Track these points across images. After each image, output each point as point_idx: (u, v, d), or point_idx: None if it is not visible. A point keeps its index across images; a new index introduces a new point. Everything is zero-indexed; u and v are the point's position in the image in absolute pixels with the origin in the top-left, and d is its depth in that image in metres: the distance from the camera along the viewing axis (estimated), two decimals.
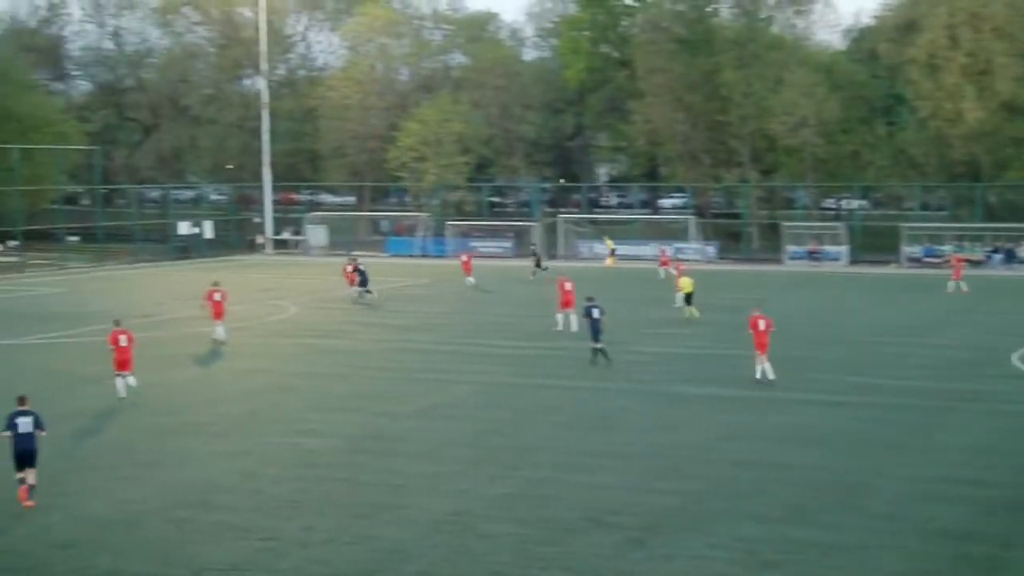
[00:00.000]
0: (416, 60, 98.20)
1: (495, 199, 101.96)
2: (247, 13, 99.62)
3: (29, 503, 20.74)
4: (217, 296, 40.45)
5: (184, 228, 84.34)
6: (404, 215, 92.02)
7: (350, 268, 54.58)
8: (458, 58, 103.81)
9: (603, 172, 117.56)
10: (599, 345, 35.05)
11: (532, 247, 71.60)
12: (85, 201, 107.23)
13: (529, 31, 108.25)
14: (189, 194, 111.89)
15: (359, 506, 20.59)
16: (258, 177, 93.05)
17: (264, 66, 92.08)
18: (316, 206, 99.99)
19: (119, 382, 30.21)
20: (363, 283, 53.34)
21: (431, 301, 53.95)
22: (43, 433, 21.41)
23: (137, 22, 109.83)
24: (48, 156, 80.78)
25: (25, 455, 20.96)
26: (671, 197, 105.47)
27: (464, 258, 62.46)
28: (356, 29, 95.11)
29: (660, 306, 49.44)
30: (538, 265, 65.28)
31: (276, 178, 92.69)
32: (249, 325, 45.25)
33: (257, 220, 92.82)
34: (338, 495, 21.27)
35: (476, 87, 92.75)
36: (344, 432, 26.44)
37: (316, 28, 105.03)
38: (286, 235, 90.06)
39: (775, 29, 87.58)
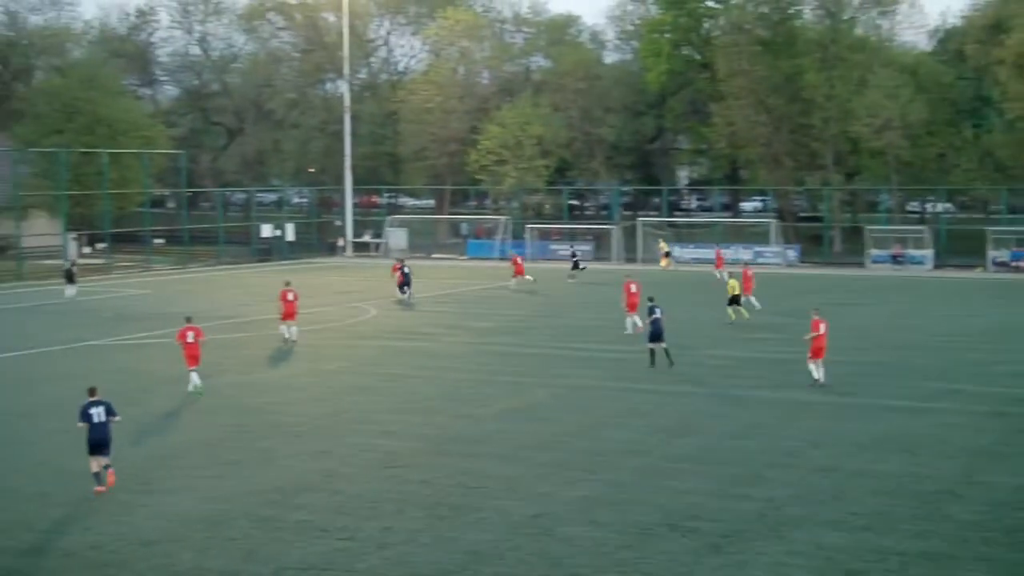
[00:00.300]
0: (497, 63, 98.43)
1: (574, 202, 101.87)
2: (331, 18, 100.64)
3: (101, 489, 21.72)
4: (290, 296, 41.13)
5: (267, 231, 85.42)
6: (484, 218, 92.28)
7: (400, 269, 55.59)
8: (539, 61, 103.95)
9: (683, 175, 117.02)
10: (663, 345, 35.19)
11: (572, 248, 71.58)
12: (171, 204, 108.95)
13: (610, 34, 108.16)
14: (272, 197, 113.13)
15: (438, 507, 20.68)
16: (339, 180, 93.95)
17: (347, 70, 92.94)
18: (396, 209, 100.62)
19: (193, 376, 31.50)
20: (406, 284, 54.45)
21: (511, 304, 54.02)
22: (116, 419, 22.43)
23: (223, 28, 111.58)
24: (135, 160, 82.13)
25: (100, 443, 21.95)
26: (752, 200, 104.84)
27: (516, 260, 63.00)
28: (438, 33, 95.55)
29: (756, 312, 49.02)
30: (576, 267, 65.67)
31: (357, 181, 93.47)
32: (330, 327, 45.67)
33: (338, 223, 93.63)
34: (417, 496, 21.38)
35: (557, 90, 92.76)
36: (424, 434, 26.56)
37: (398, 32, 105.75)
38: (366, 238, 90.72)
39: (859, 30, 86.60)
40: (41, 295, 59.02)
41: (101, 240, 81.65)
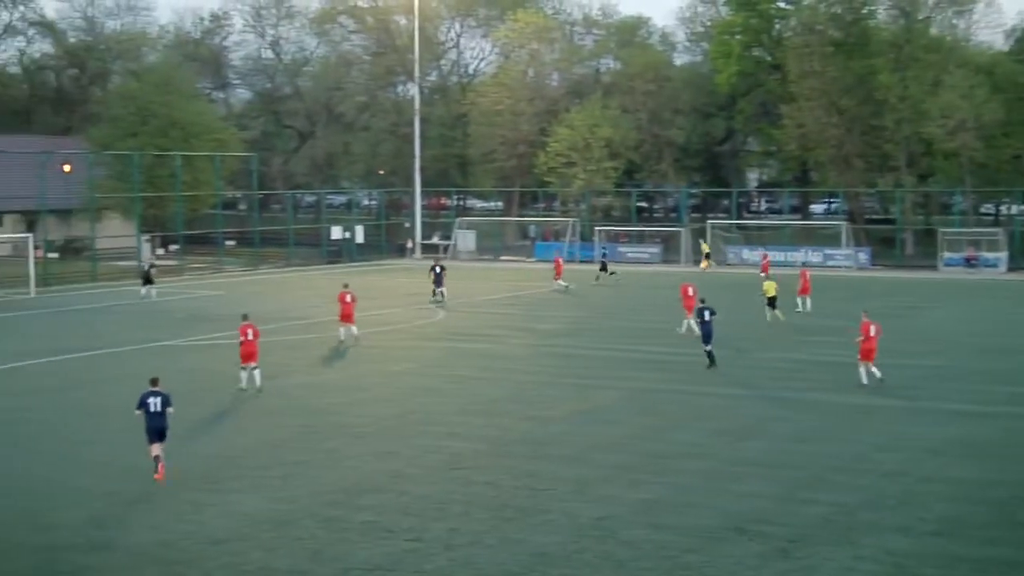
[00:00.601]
0: (567, 65, 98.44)
1: (642, 204, 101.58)
2: (402, 21, 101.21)
3: (160, 476, 22.53)
4: (348, 298, 41.66)
5: (336, 233, 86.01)
6: (552, 220, 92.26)
7: (439, 268, 56.53)
8: (608, 63, 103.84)
9: (753, 177, 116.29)
10: (708, 347, 35.24)
11: (603, 250, 71.40)
12: (242, 206, 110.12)
13: (680, 35, 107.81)
14: (342, 199, 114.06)
15: (504, 509, 20.70)
16: (409, 182, 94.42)
17: (417, 73, 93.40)
18: (465, 211, 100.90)
19: (243, 373, 32.04)
20: (438, 284, 55.26)
21: (578, 306, 53.96)
22: (171, 411, 23.28)
23: (295, 31, 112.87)
24: (208, 162, 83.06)
25: (157, 431, 22.90)
26: (823, 202, 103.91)
27: (558, 261, 63.16)
28: (508, 35, 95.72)
29: (795, 313, 48.64)
30: (603, 269, 65.72)
31: (426, 183, 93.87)
32: (398, 328, 45.90)
33: (407, 225, 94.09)
34: (483, 498, 21.41)
35: (626, 92, 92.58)
36: (490, 435, 26.60)
37: (468, 34, 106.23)
38: (435, 240, 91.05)
39: (934, 30, 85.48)
40: (114, 296, 59.89)
41: (174, 242, 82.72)
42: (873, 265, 76.45)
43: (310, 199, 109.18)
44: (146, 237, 79.92)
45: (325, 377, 34.91)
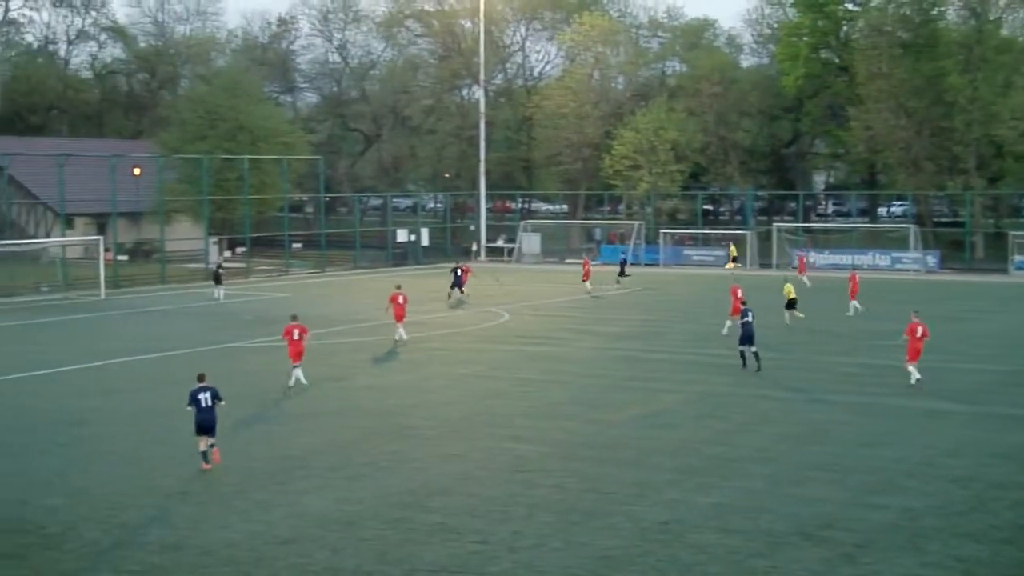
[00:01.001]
0: (632, 68, 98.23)
1: (708, 207, 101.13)
2: (467, 24, 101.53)
3: (207, 466, 23.89)
4: (400, 299, 42.69)
5: (402, 236, 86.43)
6: (617, 223, 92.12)
7: (460, 270, 58.76)
8: (674, 66, 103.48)
9: (820, 180, 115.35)
10: (752, 348, 35.42)
11: (622, 256, 71.21)
12: (308, 209, 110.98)
13: (747, 37, 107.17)
14: (407, 202, 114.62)
15: (569, 512, 20.70)
16: (474, 185, 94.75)
17: (483, 76, 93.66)
18: (530, 214, 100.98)
19: (294, 371, 32.95)
20: (455, 284, 57.22)
21: (643, 309, 53.85)
22: (222, 403, 24.50)
23: (362, 35, 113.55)
24: (275, 165, 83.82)
25: (205, 425, 24.13)
26: (891, 205, 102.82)
27: (586, 263, 62.93)
28: (573, 38, 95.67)
29: (850, 317, 48.17)
30: (622, 273, 65.41)
31: (491, 186, 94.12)
32: (463, 331, 46.05)
33: (472, 228, 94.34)
34: (548, 501, 21.43)
35: (692, 95, 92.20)
36: (555, 438, 26.62)
37: (534, 38, 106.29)
38: (500, 243, 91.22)
39: (1004, 31, 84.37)
40: (183, 298, 60.64)
41: (241, 244, 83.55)
42: (942, 269, 75.57)
43: (376, 202, 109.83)
44: (214, 240, 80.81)
45: (391, 379, 35.10)
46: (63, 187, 68.78)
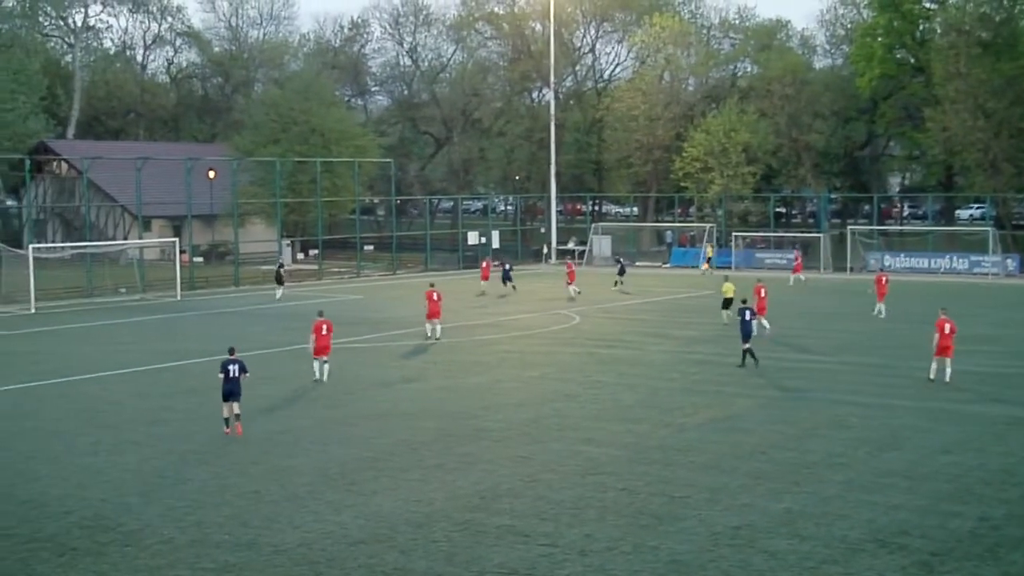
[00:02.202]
0: (703, 70, 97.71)
1: (781, 210, 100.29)
2: (537, 27, 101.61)
3: (235, 431, 27.20)
4: (435, 296, 44.31)
5: (473, 238, 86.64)
6: (688, 226, 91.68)
7: (508, 266, 64.35)
8: (746, 67, 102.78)
9: (895, 182, 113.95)
10: (747, 346, 36.70)
11: (617, 257, 71.13)
12: (380, 211, 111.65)
13: (820, 38, 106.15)
14: (478, 205, 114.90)
15: (639, 516, 20.62)
16: (544, 188, 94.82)
17: (553, 78, 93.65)
18: (600, 216, 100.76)
19: (316, 365, 34.60)
20: (505, 278, 61.83)
21: (714, 312, 53.46)
22: (247, 375, 27.88)
23: (433, 38, 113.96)
24: (347, 168, 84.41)
25: (231, 393, 27.44)
26: (969, 208, 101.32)
27: (570, 266, 63.77)
28: (644, 40, 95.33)
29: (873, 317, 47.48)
30: (622, 273, 65.69)
31: (561, 189, 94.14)
32: (534, 333, 46.04)
33: (542, 230, 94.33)
34: (619, 504, 21.36)
35: (764, 96, 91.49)
36: (626, 441, 26.53)
37: (604, 39, 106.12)
38: (570, 245, 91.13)
39: None
40: (257, 299, 61.26)
41: (313, 246, 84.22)
42: (1022, 272, 74.33)
43: (447, 204, 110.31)
44: (287, 242, 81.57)
45: (462, 381, 35.17)
46: (140, 190, 69.77)
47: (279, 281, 61.81)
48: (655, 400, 31.68)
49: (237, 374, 27.49)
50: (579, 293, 59.53)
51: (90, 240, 71.46)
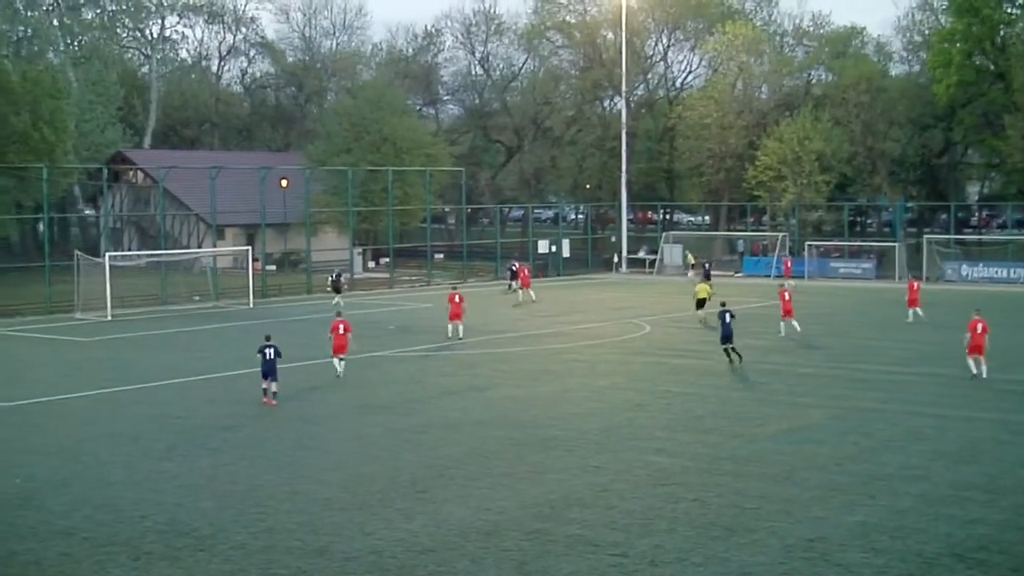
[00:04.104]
0: (776, 78, 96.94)
1: (855, 218, 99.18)
2: (609, 35, 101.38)
3: (271, 404, 32.16)
4: (457, 299, 46.89)
5: (543, 247, 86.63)
6: (760, 235, 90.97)
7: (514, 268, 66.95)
8: (820, 74, 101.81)
9: (973, 191, 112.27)
10: (731, 345, 39.03)
11: (704, 262, 73.59)
12: (451, 220, 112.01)
13: (897, 45, 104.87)
14: (548, 213, 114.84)
15: (710, 527, 20.43)
16: (615, 197, 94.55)
17: (624, 87, 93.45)
18: (672, 225, 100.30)
19: (336, 362, 36.80)
20: (512, 279, 65.68)
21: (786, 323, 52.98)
22: (280, 359, 32.75)
23: (504, 47, 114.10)
24: (418, 177, 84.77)
25: (268, 372, 32.51)
26: None
27: (522, 271, 66.43)
28: (716, 48, 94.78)
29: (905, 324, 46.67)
30: (707, 278, 66.42)
31: (633, 197, 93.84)
32: (605, 343, 45.90)
33: (613, 239, 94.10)
34: (689, 515, 21.18)
35: (838, 104, 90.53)
36: (697, 452, 26.32)
37: (676, 47, 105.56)
38: (641, 254, 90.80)
39: None
40: (328, 307, 61.41)
41: (385, 255, 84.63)
42: None
43: (517, 213, 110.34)
44: (358, 250, 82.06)
45: (532, 390, 35.13)
46: (214, 199, 70.56)
47: (336, 290, 62.28)
48: (726, 410, 31.42)
49: (273, 357, 32.42)
50: (533, 301, 62.25)
51: (165, 248, 72.36)
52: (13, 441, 28.43)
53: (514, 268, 67.60)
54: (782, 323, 47.01)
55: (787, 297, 47.00)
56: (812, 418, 30.28)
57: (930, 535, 19.77)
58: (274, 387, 32.40)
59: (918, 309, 51.61)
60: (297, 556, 19.04)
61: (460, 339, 45.72)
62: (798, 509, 21.47)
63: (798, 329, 46.38)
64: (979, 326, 35.16)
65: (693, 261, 79.96)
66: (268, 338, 33.24)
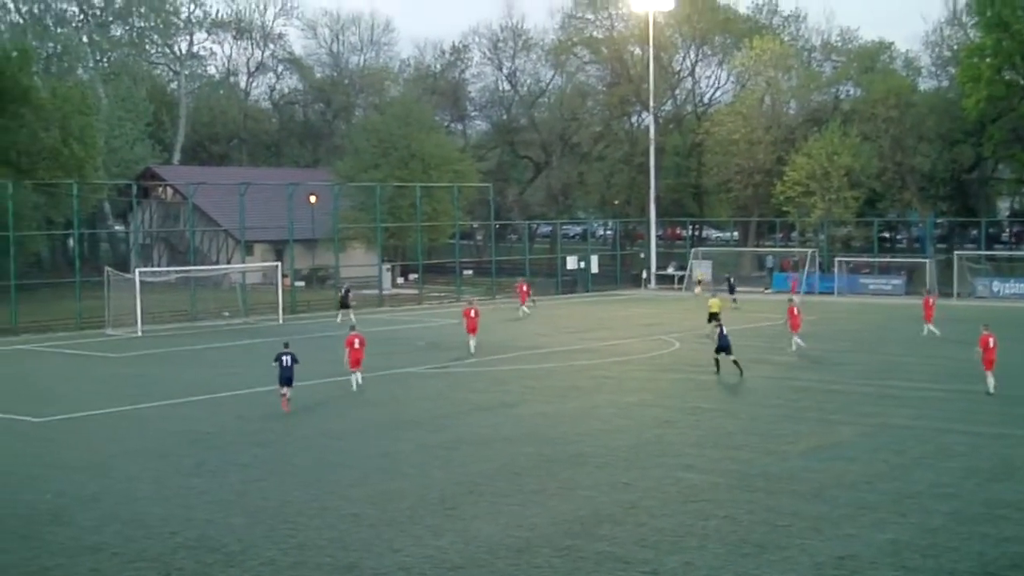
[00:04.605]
0: (805, 93, 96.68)
1: (885, 234, 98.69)
2: (636, 51, 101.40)
3: (287, 409, 33.62)
4: (472, 313, 47.97)
5: (572, 263, 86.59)
6: (789, 251, 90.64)
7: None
8: (848, 90, 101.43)
9: (1004, 206, 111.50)
10: (731, 357, 40.40)
11: (728, 276, 74.07)
12: (479, 236, 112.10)
13: (925, 60, 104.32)
14: (577, 229, 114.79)
15: (741, 544, 20.33)
16: (643, 212, 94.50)
17: (652, 103, 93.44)
18: (700, 241, 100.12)
19: (353, 377, 37.56)
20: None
21: (817, 339, 52.76)
22: (297, 365, 34.27)
23: (531, 63, 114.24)
24: (446, 193, 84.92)
25: (286, 378, 33.93)
26: None
27: (520, 287, 68.45)
28: (744, 63, 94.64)
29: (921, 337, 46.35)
30: (731, 291, 68.71)
31: (661, 213, 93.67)
32: (633, 359, 45.81)
33: (642, 255, 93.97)
34: (720, 532, 21.09)
35: (867, 119, 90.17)
36: (727, 468, 26.21)
37: (704, 63, 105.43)
38: (670, 270, 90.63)
39: None
40: (358, 324, 61.58)
41: (413, 271, 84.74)
42: None
43: (545, 229, 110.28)
44: (387, 266, 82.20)
45: (561, 406, 35.08)
46: (243, 215, 70.86)
47: (344, 306, 62.29)
48: (756, 427, 31.30)
49: (290, 363, 33.99)
50: (527, 314, 64.14)
51: (194, 264, 72.68)
52: (43, 457, 28.58)
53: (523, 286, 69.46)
54: (795, 338, 47.70)
55: (796, 312, 47.87)
56: (842, 435, 30.12)
57: (962, 553, 19.62)
58: (288, 392, 34.07)
59: (931, 326, 52.05)
60: (327, 572, 19.05)
61: (472, 354, 46.56)
62: (828, 527, 21.34)
63: (802, 344, 47.35)
64: (990, 340, 35.74)
65: (701, 278, 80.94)
66: (286, 345, 34.89)
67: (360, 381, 37.55)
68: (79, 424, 33.31)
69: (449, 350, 48.80)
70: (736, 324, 56.05)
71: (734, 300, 67.80)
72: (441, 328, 58.53)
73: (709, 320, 52.21)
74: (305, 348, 41.82)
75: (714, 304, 53.84)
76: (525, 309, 66.03)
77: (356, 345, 37.63)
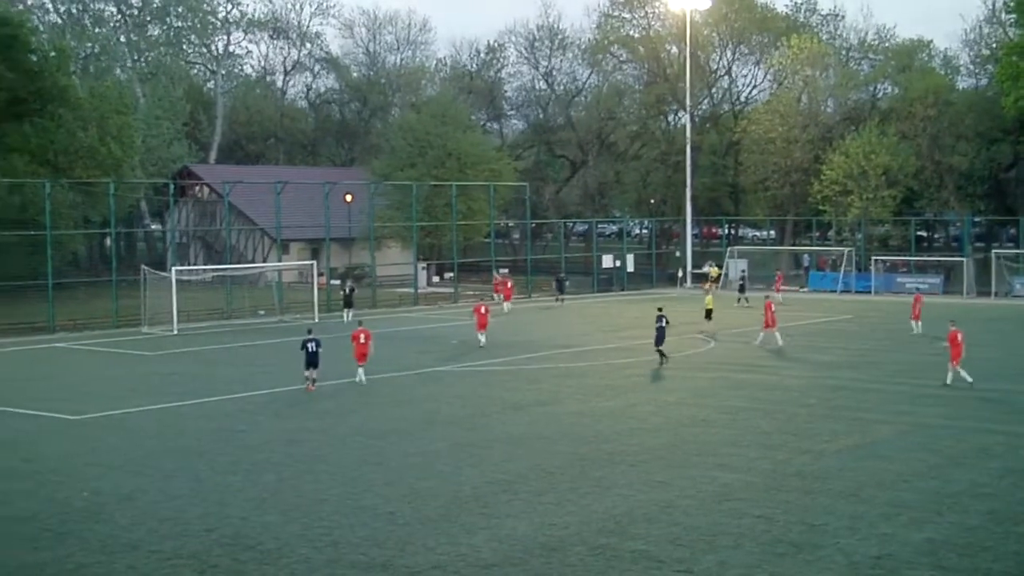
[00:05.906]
0: (842, 91, 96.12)
1: (922, 233, 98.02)
2: (673, 50, 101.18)
3: (312, 389, 36.87)
4: (483, 310, 49.98)
5: (607, 261, 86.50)
6: (826, 250, 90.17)
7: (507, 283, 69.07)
8: (886, 88, 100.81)
9: None
10: (660, 348, 43.31)
11: (741, 272, 75.04)
12: (515, 235, 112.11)
13: (964, 58, 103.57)
14: (613, 228, 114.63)
15: (776, 543, 20.24)
16: (679, 211, 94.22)
17: (689, 101, 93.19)
18: (736, 240, 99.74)
19: (360, 372, 38.71)
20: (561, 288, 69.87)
21: (854, 338, 52.53)
22: (321, 349, 37.14)
23: (568, 62, 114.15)
24: (482, 192, 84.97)
25: (312, 363, 36.97)
26: None
27: (504, 283, 69.87)
28: (781, 62, 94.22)
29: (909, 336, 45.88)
30: (742, 291, 70.17)
31: (697, 212, 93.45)
32: (669, 358, 45.63)
33: (678, 254, 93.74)
34: (755, 531, 21.00)
35: (904, 118, 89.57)
36: (763, 468, 26.10)
37: (740, 62, 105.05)
38: (706, 269, 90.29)
39: None
40: (393, 322, 61.86)
41: (449, 269, 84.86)
42: None
43: (581, 228, 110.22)
44: (422, 265, 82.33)
45: (596, 405, 35.04)
46: (279, 213, 71.12)
47: (348, 304, 62.58)
48: (792, 426, 31.15)
49: (315, 349, 36.93)
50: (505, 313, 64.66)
51: (230, 263, 72.98)
52: (80, 455, 28.78)
53: (561, 276, 70.41)
54: (762, 334, 49.04)
55: (772, 309, 49.16)
56: (879, 434, 29.94)
57: (999, 553, 19.47)
58: (315, 374, 36.92)
59: (919, 323, 52.80)
60: (361, 570, 19.10)
61: (481, 346, 48.57)
62: (865, 526, 21.22)
63: (780, 343, 48.36)
64: (959, 336, 37.26)
65: (716, 274, 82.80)
66: (310, 331, 38.42)
67: (362, 376, 38.72)
68: (115, 422, 33.54)
69: (485, 348, 48.81)
70: (786, 322, 56.17)
71: (746, 299, 68.73)
72: (475, 327, 58.49)
73: (706, 317, 55.30)
74: (340, 347, 41.86)
75: (709, 301, 56.40)
76: (507, 306, 66.94)
77: (362, 340, 38.81)
